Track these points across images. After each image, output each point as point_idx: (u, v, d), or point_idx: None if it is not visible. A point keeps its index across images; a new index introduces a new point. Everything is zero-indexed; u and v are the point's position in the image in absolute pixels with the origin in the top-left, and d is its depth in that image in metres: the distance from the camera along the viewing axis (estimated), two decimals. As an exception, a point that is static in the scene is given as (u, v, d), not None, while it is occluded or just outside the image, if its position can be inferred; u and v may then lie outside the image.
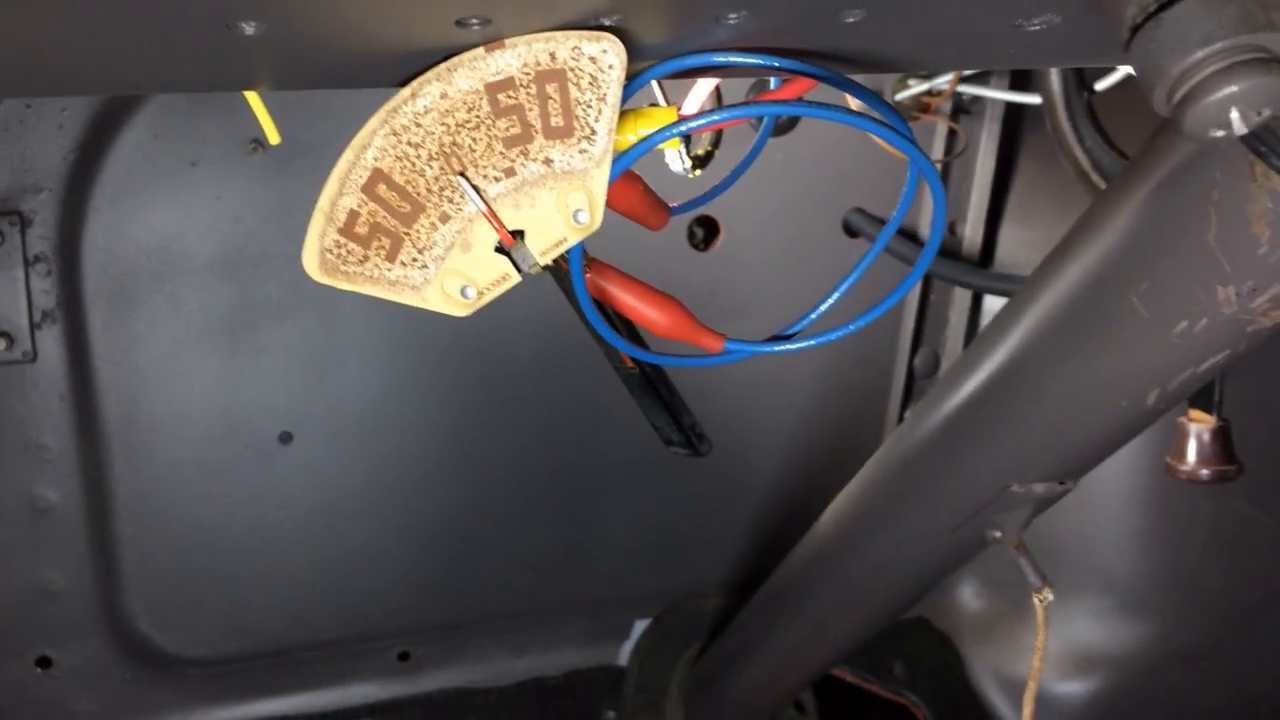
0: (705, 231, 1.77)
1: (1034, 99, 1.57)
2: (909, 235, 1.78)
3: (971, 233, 1.78)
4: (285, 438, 1.68)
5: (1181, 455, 1.30)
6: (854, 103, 0.79)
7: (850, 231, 1.79)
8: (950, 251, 1.80)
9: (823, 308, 0.87)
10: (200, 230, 1.57)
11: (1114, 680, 1.79)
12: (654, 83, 0.75)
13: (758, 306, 1.74)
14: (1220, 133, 0.52)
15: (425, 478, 1.75)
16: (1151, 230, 0.73)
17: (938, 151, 1.75)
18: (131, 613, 1.69)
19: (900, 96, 1.65)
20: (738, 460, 1.83)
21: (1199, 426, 1.30)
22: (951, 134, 1.74)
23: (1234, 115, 0.51)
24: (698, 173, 1.18)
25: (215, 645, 1.74)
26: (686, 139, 0.87)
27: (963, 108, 1.75)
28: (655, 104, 0.79)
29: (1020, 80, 1.64)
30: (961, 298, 1.86)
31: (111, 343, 1.58)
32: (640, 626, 1.92)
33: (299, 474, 1.69)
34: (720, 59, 0.70)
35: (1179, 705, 1.77)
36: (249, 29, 0.59)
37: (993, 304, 1.86)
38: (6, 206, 1.50)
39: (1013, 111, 1.74)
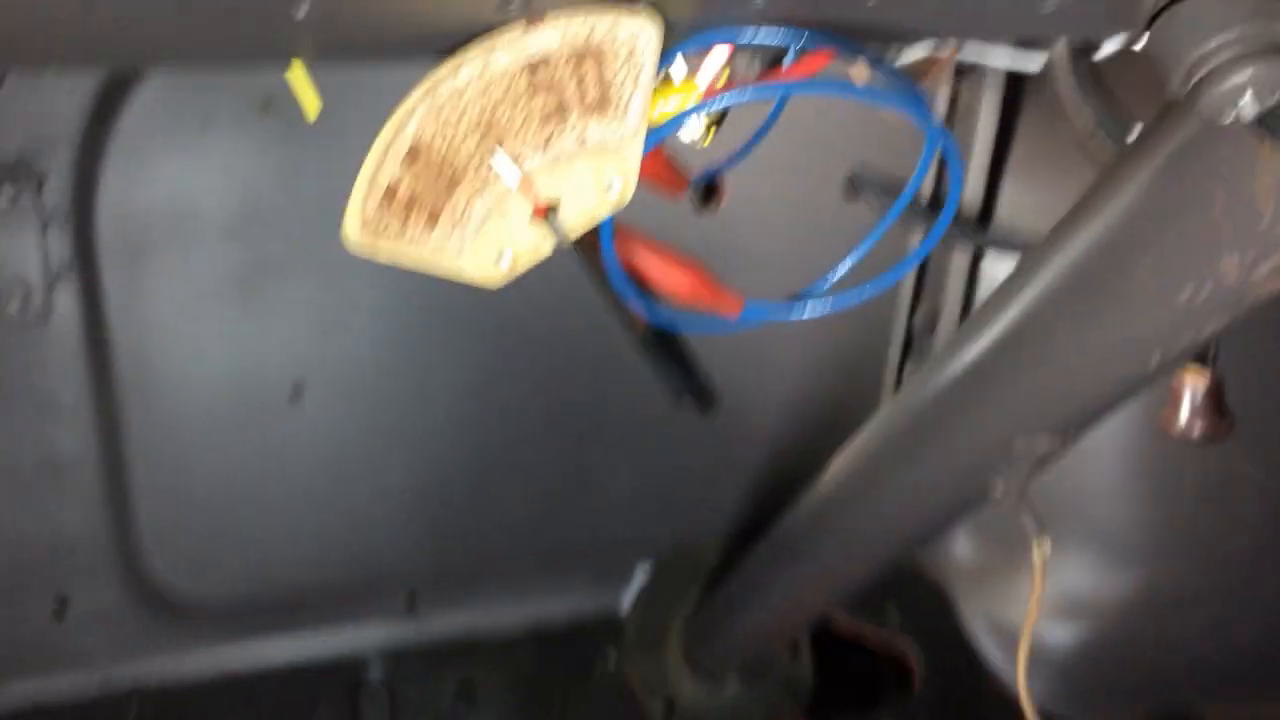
0: (704, 187, 1.79)
1: (1036, 66, 1.58)
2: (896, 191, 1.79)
3: (971, 194, 1.80)
4: (295, 389, 1.71)
5: (1175, 412, 1.34)
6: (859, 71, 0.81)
7: (851, 190, 1.81)
8: None
9: (838, 273, 0.90)
10: (211, 189, 1.59)
11: (1102, 627, 1.84)
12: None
13: (756, 263, 1.76)
14: (1233, 115, 0.55)
15: (431, 427, 1.79)
16: (1160, 202, 0.76)
17: (938, 115, 1.77)
18: (145, 559, 1.73)
19: (902, 61, 1.66)
20: (739, 412, 1.86)
21: (1193, 386, 1.34)
22: (954, 96, 1.76)
23: (1246, 99, 0.54)
24: (708, 142, 1.20)
25: (225, 590, 1.79)
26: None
27: (964, 70, 1.76)
28: (670, 77, 0.81)
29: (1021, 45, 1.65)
30: (960, 256, 1.88)
31: (124, 299, 1.60)
32: (642, 570, 1.97)
33: (308, 425, 1.73)
34: (747, 34, 0.73)
35: (1165, 651, 1.83)
36: (302, 11, 0.61)
37: (990, 264, 1.89)
38: (22, 163, 1.52)
39: (1014, 75, 1.75)
